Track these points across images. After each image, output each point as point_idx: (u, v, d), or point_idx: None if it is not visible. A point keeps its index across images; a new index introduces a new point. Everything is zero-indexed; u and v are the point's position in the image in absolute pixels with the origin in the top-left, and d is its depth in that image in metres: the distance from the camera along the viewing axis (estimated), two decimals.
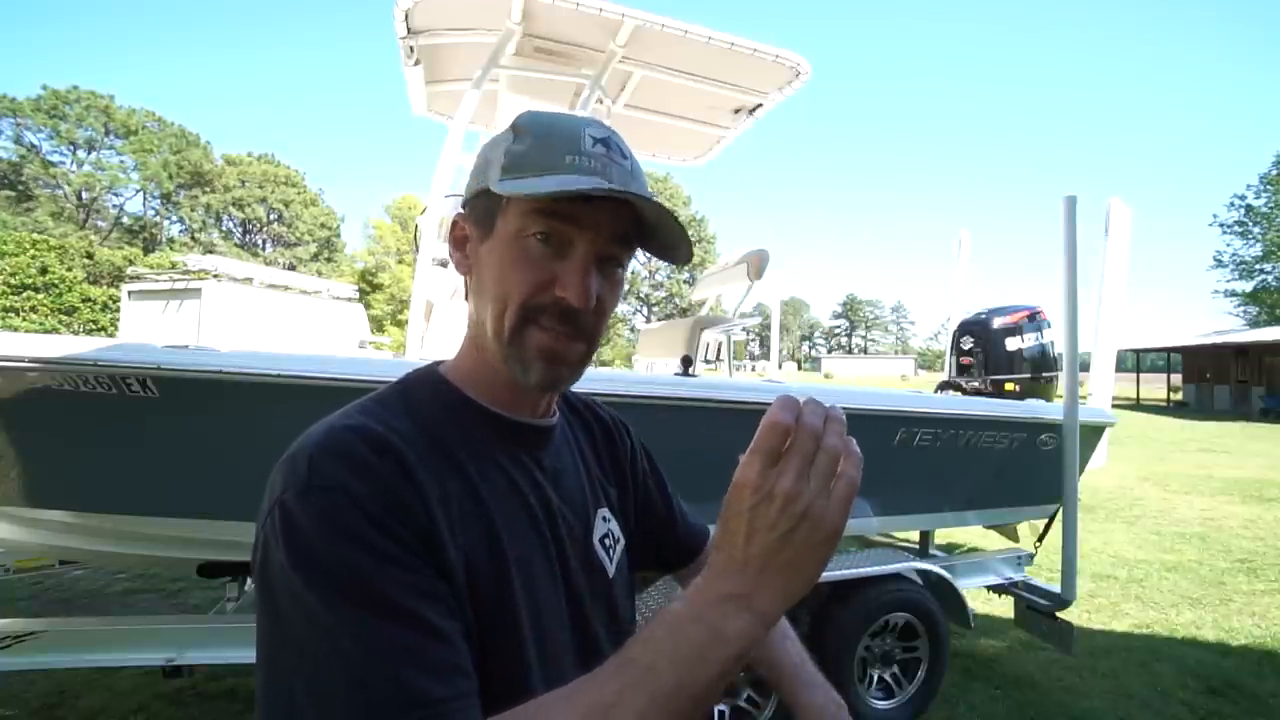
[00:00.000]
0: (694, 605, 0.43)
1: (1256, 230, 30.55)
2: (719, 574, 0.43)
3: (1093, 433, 3.15)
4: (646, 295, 49.55)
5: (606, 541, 0.68)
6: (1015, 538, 3.53)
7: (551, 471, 0.64)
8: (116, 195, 38.03)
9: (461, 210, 0.61)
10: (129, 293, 4.67)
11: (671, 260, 0.61)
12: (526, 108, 0.64)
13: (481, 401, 0.60)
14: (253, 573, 0.49)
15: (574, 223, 0.55)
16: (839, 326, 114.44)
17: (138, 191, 38.70)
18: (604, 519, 0.69)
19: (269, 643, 0.46)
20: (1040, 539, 3.29)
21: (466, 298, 0.62)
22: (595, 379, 2.30)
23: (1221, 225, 31.71)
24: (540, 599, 0.57)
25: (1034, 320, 3.48)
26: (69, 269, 21.13)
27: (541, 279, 0.55)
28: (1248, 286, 31.36)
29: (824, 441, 0.42)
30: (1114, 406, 3.53)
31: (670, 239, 0.58)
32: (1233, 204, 31.29)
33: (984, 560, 3.22)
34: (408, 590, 0.45)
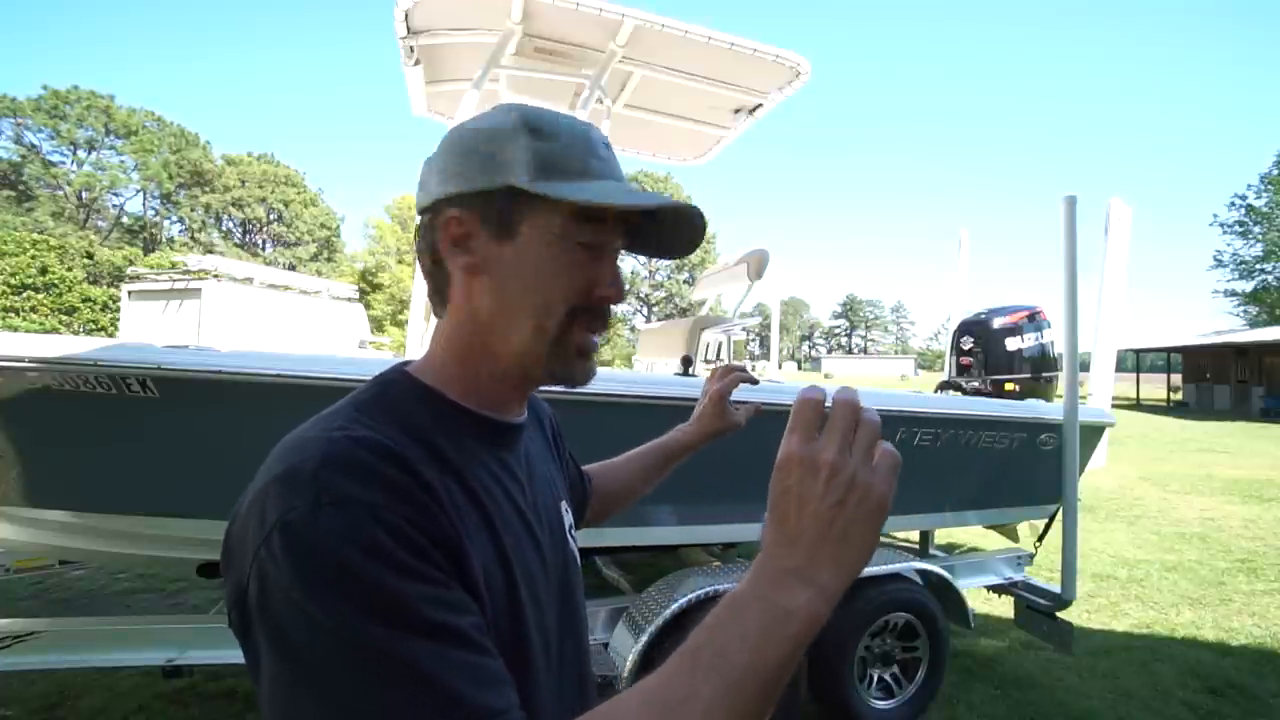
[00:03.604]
0: (754, 585, 0.42)
1: (1257, 230, 30.56)
2: (774, 550, 0.42)
3: (1093, 433, 3.15)
4: (646, 295, 49.52)
5: (573, 532, 0.70)
6: (1015, 538, 3.54)
7: (527, 469, 0.64)
8: (116, 195, 38.06)
9: (447, 205, 0.56)
10: (129, 293, 4.70)
11: (666, 256, 0.66)
12: None
13: (463, 403, 0.58)
14: (242, 615, 0.43)
15: (610, 229, 0.58)
16: (839, 326, 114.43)
17: (138, 191, 38.71)
18: (565, 510, 0.70)
19: (287, 686, 0.41)
20: (1040, 539, 3.30)
21: (449, 298, 0.58)
22: (595, 379, 2.30)
23: (1222, 225, 31.76)
24: (541, 600, 0.57)
25: (1034, 320, 3.48)
26: (69, 269, 21.19)
27: (586, 282, 0.57)
28: (1248, 286, 31.39)
29: (862, 416, 0.43)
30: (1114, 407, 3.53)
31: (680, 237, 0.63)
32: (1233, 204, 31.35)
33: (984, 560, 3.22)
34: (445, 607, 0.43)
